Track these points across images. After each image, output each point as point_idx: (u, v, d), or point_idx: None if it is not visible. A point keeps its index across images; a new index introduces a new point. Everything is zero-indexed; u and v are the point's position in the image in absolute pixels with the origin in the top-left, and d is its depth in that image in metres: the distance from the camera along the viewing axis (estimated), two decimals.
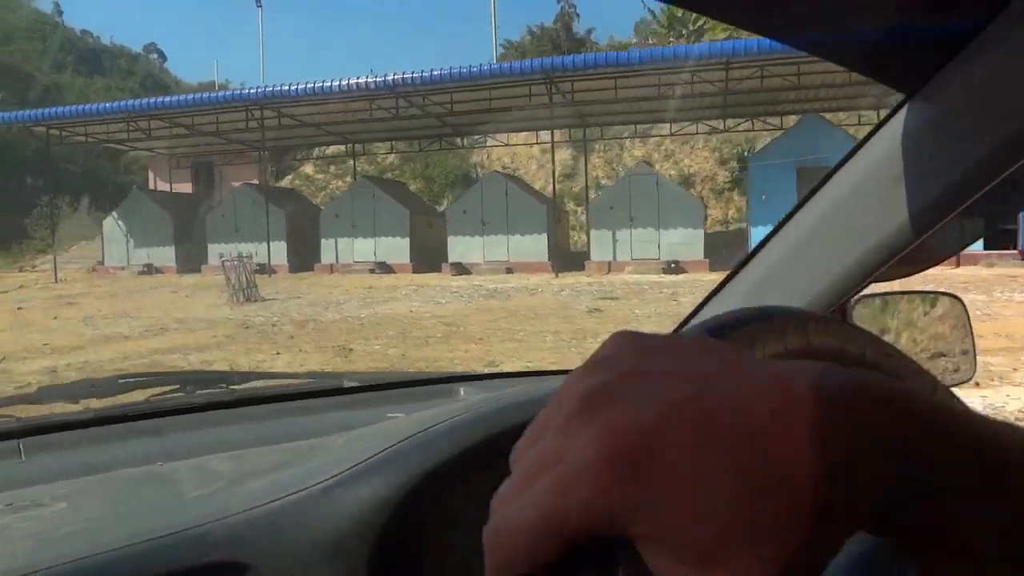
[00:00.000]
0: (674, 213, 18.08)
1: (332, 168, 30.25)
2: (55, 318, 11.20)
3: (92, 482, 0.97)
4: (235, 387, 1.38)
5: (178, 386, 1.35)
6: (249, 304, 12.94)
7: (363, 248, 19.80)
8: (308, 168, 30.67)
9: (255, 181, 23.06)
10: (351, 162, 29.57)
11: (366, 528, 0.77)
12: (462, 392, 1.37)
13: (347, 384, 1.45)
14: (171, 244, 21.43)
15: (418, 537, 0.80)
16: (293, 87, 17.78)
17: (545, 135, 23.96)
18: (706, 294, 0.95)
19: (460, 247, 19.17)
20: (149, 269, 20.85)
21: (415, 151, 26.56)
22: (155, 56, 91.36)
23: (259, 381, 1.48)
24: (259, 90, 18.49)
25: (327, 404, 1.34)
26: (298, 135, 22.09)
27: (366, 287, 15.72)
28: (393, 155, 28.84)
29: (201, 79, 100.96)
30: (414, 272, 19.22)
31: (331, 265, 20.01)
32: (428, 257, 19.63)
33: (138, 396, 1.30)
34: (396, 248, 19.66)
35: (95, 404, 1.27)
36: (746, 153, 24.15)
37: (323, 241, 20.35)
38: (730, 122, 21.96)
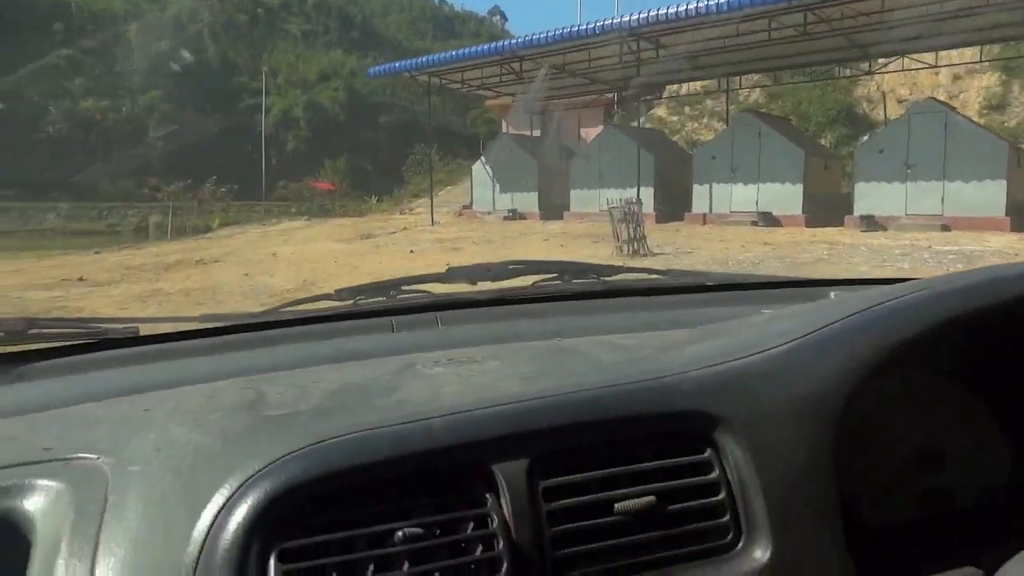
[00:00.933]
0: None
1: (687, 109, 27.41)
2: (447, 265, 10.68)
3: (507, 348, 1.07)
4: (606, 278, 1.47)
5: (557, 274, 1.47)
6: (640, 258, 10.92)
7: (743, 195, 16.70)
8: (661, 111, 28.22)
9: (610, 125, 21.42)
10: (707, 102, 26.43)
11: (832, 394, 0.79)
12: (832, 295, 1.29)
13: (709, 283, 1.52)
14: (534, 190, 20.46)
15: (871, 410, 0.80)
16: (655, 13, 15.30)
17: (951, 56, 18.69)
18: None
19: (871, 196, 15.12)
20: (513, 214, 20.24)
21: (792, 83, 22.41)
22: (497, 18, 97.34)
23: (628, 275, 1.55)
24: (619, 20, 16.17)
25: (693, 300, 1.41)
26: (658, 70, 19.56)
27: (761, 242, 12.81)
28: (757, 91, 25.05)
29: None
30: (807, 225, 15.61)
31: (703, 215, 17.33)
32: (824, 207, 15.81)
33: (523, 281, 1.44)
34: (785, 196, 16.07)
35: (489, 286, 1.41)
36: None
37: (695, 187, 17.67)
38: None
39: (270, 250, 13.71)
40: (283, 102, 45.12)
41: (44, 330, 1.09)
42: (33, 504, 0.65)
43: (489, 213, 20.90)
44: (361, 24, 62.44)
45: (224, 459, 0.66)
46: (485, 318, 1.27)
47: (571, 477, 0.71)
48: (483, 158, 22.31)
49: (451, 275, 1.40)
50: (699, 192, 17.67)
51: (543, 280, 1.45)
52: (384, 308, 1.29)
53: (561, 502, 0.70)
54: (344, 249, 13.65)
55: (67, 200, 31.80)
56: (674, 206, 17.80)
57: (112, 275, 10.71)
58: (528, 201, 20.52)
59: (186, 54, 45.05)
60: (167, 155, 36.68)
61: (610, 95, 24.59)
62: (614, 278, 1.48)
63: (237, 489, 0.62)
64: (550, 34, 17.30)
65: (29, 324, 1.08)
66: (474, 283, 1.41)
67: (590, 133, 23.52)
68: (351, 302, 1.32)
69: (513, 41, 18.84)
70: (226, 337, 1.16)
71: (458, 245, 13.60)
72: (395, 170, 33.68)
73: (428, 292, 1.36)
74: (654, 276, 1.62)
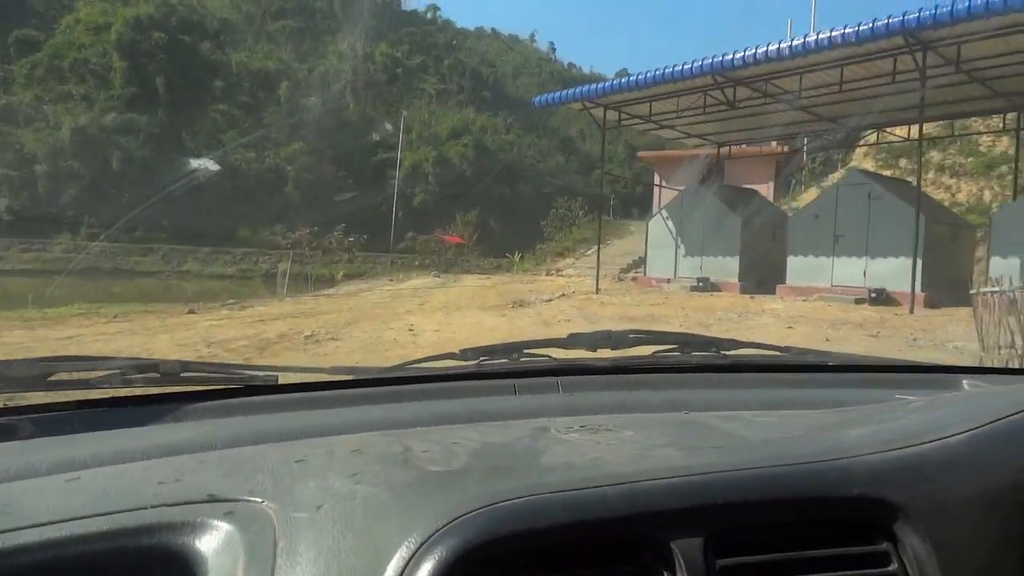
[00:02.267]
0: None
1: (903, 161, 22.83)
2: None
3: (636, 418, 1.08)
4: (726, 352, 1.44)
5: (676, 346, 1.46)
6: None
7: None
8: (867, 161, 24.07)
9: (855, 171, 17.13)
10: (933, 153, 21.80)
11: (1017, 488, 0.77)
12: (965, 384, 1.32)
13: (831, 363, 1.48)
14: (734, 254, 16.14)
15: None
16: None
17: None
18: None
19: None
20: (704, 285, 16.04)
21: None
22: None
23: (748, 349, 1.51)
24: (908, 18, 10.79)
25: (815, 379, 1.38)
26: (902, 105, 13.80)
27: None
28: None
29: None
30: None
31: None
32: None
33: (643, 350, 1.42)
34: None
35: (609, 353, 1.39)
36: None
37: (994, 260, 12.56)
38: None
39: (404, 321, 10.36)
40: (414, 156, 45.90)
41: (196, 373, 1.14)
42: (205, 543, 0.67)
43: (669, 281, 17.27)
44: (493, 84, 63.62)
45: (397, 513, 0.68)
46: (605, 386, 1.28)
47: (748, 558, 0.70)
48: (662, 212, 18.46)
49: (572, 341, 1.41)
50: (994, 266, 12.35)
51: (663, 351, 1.46)
52: (507, 370, 1.32)
53: None
54: (502, 325, 10.07)
55: (209, 245, 33.09)
56: (949, 287, 12.77)
57: (183, 349, 7.77)
58: (723, 268, 16.43)
59: (327, 110, 47.13)
60: (302, 204, 37.74)
61: (788, 141, 22.43)
62: (734, 352, 1.46)
63: (422, 545, 0.63)
64: (781, 47, 12.20)
65: (183, 367, 1.12)
66: (594, 350, 1.41)
67: (762, 187, 21.47)
68: (475, 362, 1.33)
69: (718, 59, 13.21)
70: (359, 390, 1.21)
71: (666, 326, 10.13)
72: (527, 226, 32.78)
73: (549, 356, 1.38)
74: (774, 353, 1.55)
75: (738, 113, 15.79)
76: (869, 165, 23.54)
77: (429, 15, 73.24)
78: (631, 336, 1.43)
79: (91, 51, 42.56)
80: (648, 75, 14.32)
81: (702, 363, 1.42)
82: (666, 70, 13.92)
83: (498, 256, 29.10)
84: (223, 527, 0.68)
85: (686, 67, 13.57)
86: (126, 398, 1.10)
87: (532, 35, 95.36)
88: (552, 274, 21.45)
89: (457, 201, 36.18)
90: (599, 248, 18.59)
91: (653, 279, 17.69)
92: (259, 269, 27.06)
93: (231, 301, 13.98)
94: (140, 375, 1.09)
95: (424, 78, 56.53)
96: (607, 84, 15.45)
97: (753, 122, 17.26)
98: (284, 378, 1.18)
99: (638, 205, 35.29)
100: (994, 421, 0.81)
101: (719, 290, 15.88)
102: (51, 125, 38.91)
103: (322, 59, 53.77)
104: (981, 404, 0.90)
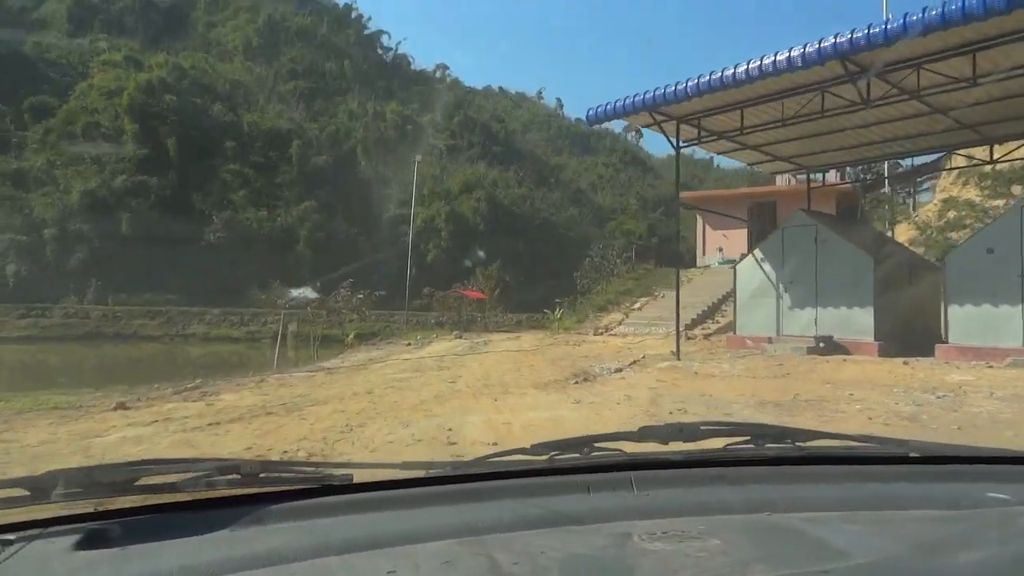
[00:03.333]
0: None
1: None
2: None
3: (718, 523, 1.05)
4: (801, 444, 1.39)
5: (749, 437, 1.43)
6: None
7: None
8: (968, 190, 20.87)
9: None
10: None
11: None
12: None
13: (913, 454, 1.43)
14: (867, 304, 12.58)
15: None
16: None
17: None
18: None
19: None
20: (827, 345, 12.65)
21: None
22: (634, 134, 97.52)
23: (824, 440, 1.48)
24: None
25: (898, 473, 1.32)
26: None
27: None
28: None
29: (670, 151, 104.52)
30: None
31: None
32: None
33: (716, 443, 1.39)
34: None
35: (681, 446, 1.37)
36: None
37: None
38: None
39: (435, 417, 6.84)
40: (426, 212, 45.02)
41: (275, 474, 1.17)
42: None
43: (771, 340, 13.26)
44: (503, 140, 63.38)
45: None
46: (681, 482, 1.26)
47: None
48: (756, 253, 14.33)
49: (643, 434, 1.39)
50: None
51: (736, 443, 1.42)
52: (579, 466, 1.30)
53: None
54: (585, 419, 6.66)
55: (219, 306, 31.84)
56: None
57: None
58: (850, 323, 12.65)
59: (338, 168, 46.58)
60: (314, 263, 36.62)
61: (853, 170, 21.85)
62: (811, 444, 1.40)
63: None
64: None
65: (263, 467, 1.16)
66: (666, 443, 1.38)
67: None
68: (547, 457, 1.31)
69: (844, 39, 9.42)
70: (432, 488, 1.21)
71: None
72: (548, 280, 31.34)
73: (621, 450, 1.36)
74: (854, 444, 1.50)
75: (867, 119, 12.11)
76: (970, 194, 20.89)
77: (438, 74, 73.96)
78: (702, 428, 1.41)
79: (104, 115, 42.38)
80: (742, 70, 10.37)
81: (778, 456, 1.37)
82: (771, 59, 10.03)
83: (520, 311, 27.47)
84: None
85: (805, 51, 9.72)
86: (210, 500, 1.12)
87: (539, 92, 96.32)
88: (601, 332, 18.31)
89: (470, 256, 34.92)
90: (678, 299, 14.08)
91: (747, 338, 13.76)
92: (268, 331, 25.61)
93: (191, 384, 10.38)
94: (223, 477, 1.11)
95: (434, 135, 56.22)
96: (681, 87, 11.30)
97: (881, 132, 13.29)
98: (358, 475, 1.19)
99: (655, 257, 33.60)
100: None
101: (848, 352, 12.29)
102: (61, 189, 38.39)
103: (333, 118, 53.66)
104: None
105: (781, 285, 13.74)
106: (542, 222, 50.41)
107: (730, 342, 14.30)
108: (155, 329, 28.18)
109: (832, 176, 22.65)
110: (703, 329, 17.10)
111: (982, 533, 0.98)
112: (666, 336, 15.24)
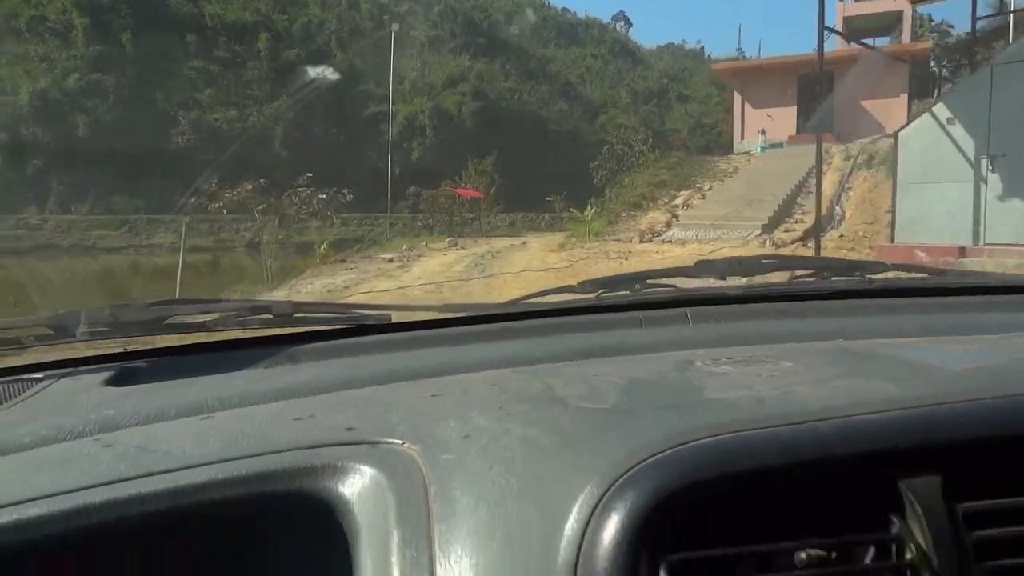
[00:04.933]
0: None
1: None
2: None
3: (790, 349, 0.96)
4: (872, 276, 1.30)
5: (814, 271, 1.36)
6: None
7: None
8: None
9: None
10: None
11: None
12: None
13: (992, 283, 1.37)
14: None
15: None
16: None
17: None
18: None
19: None
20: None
21: None
22: (622, 24, 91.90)
23: (894, 272, 1.37)
24: None
25: (977, 303, 1.24)
26: None
27: None
28: None
29: (660, 42, 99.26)
30: None
31: None
32: None
33: (778, 277, 1.34)
34: None
35: (739, 282, 1.31)
36: None
37: None
38: None
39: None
40: (409, 108, 41.74)
41: (309, 314, 1.11)
42: (349, 488, 0.62)
43: (963, 253, 8.78)
44: (487, 31, 58.76)
45: (566, 454, 0.60)
46: (743, 315, 1.16)
47: (995, 502, 0.58)
48: (938, 110, 9.41)
49: (699, 269, 1.30)
50: None
51: (801, 276, 1.35)
52: (630, 303, 1.22)
53: (987, 532, 0.56)
54: None
55: (191, 213, 29.33)
56: None
57: None
58: None
59: (312, 63, 42.76)
60: (290, 163, 33.79)
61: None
62: (881, 276, 1.30)
63: (609, 489, 0.54)
64: None
65: (295, 308, 1.10)
66: (724, 278, 1.30)
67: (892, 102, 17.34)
68: (595, 295, 1.24)
69: None
70: (476, 327, 1.13)
71: None
72: (547, 176, 28.73)
73: (674, 287, 1.27)
74: (926, 276, 1.42)
75: None
76: None
77: None
78: (764, 262, 1.34)
79: (49, 7, 38.02)
80: None
81: (847, 288, 1.27)
82: None
83: (515, 210, 24.90)
84: (367, 471, 0.62)
85: None
86: (241, 340, 1.07)
87: None
88: (649, 238, 13.47)
89: (458, 154, 32.14)
90: (819, 182, 10.19)
91: (919, 249, 8.97)
92: (240, 239, 23.31)
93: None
94: (254, 316, 1.06)
95: (414, 25, 51.76)
96: None
97: None
98: (397, 317, 1.13)
99: (683, 145, 29.66)
100: None
101: None
102: (8, 91, 34.72)
103: (304, 9, 48.99)
104: None
105: (985, 162, 8.73)
106: (531, 117, 47.23)
107: (883, 253, 9.37)
108: (117, 240, 25.73)
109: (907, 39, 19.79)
110: (787, 232, 12.43)
111: None
112: (744, 244, 11.55)
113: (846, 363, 0.86)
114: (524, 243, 16.00)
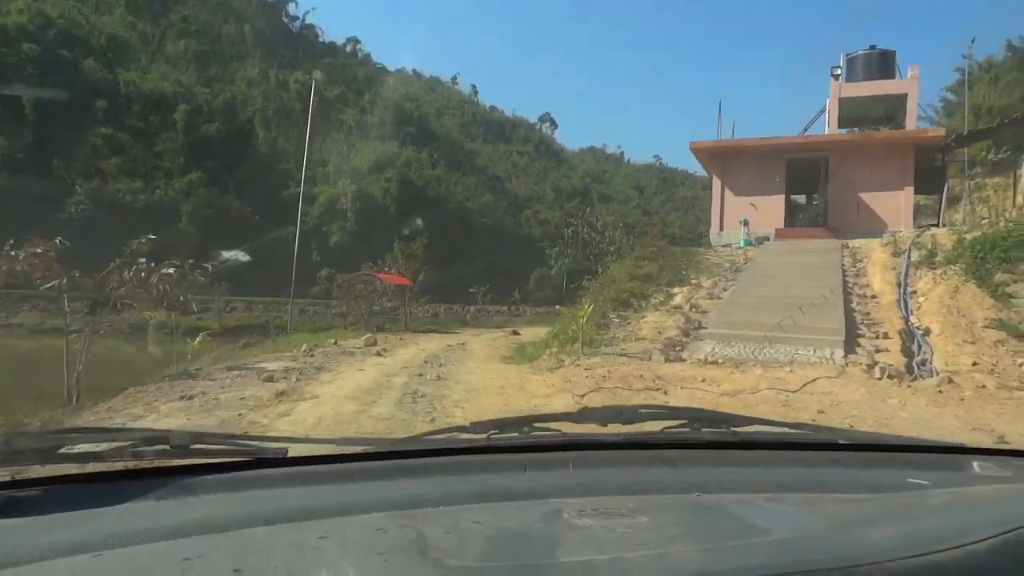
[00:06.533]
0: None
1: None
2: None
3: (650, 501, 1.05)
4: (737, 429, 1.38)
5: (687, 421, 1.41)
6: None
7: None
8: None
9: None
10: None
11: None
12: (976, 466, 1.30)
13: (843, 440, 1.46)
14: None
15: None
16: None
17: None
18: None
19: None
20: None
21: None
22: (548, 125, 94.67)
23: (760, 426, 1.46)
24: None
25: (827, 459, 1.35)
26: None
27: None
28: None
29: (583, 144, 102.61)
30: None
31: None
32: None
33: (653, 426, 1.37)
34: None
35: (620, 428, 1.34)
36: None
37: None
38: None
39: None
40: (331, 191, 39.88)
41: (207, 446, 1.11)
42: None
43: None
44: (417, 120, 58.51)
45: None
46: (616, 462, 1.24)
47: None
48: None
49: (584, 415, 1.37)
50: None
51: (673, 427, 1.40)
52: (518, 444, 1.27)
53: None
54: None
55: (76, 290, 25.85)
56: None
57: None
58: None
59: (232, 139, 40.51)
60: (198, 242, 30.90)
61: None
62: (745, 429, 1.39)
63: None
64: None
65: (193, 439, 1.09)
66: (605, 425, 1.36)
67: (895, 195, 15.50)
68: (486, 436, 1.27)
69: None
70: (368, 463, 1.16)
71: None
72: (477, 266, 27.01)
73: (560, 431, 1.33)
74: (786, 430, 1.53)
75: None
76: None
77: (349, 48, 67.89)
78: (641, 411, 1.39)
79: None
80: None
81: (713, 440, 1.36)
82: None
83: (438, 301, 22.63)
84: None
85: None
86: (137, 471, 1.06)
87: (454, 78, 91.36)
88: (676, 358, 8.93)
89: (382, 239, 30.23)
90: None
91: None
92: (121, 322, 20.19)
93: None
94: (150, 447, 1.06)
95: (343, 110, 50.79)
96: None
97: None
98: (294, 450, 1.13)
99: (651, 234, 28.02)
100: (1012, 530, 0.76)
101: None
102: None
103: (229, 85, 47.21)
104: (1001, 504, 0.85)
105: None
106: (457, 206, 46.26)
107: None
108: None
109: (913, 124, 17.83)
110: (879, 352, 8.59)
111: (898, 513, 1.00)
112: (841, 372, 7.90)
113: (689, 521, 0.97)
114: (463, 344, 12.63)
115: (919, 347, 8.71)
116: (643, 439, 1.32)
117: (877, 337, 9.20)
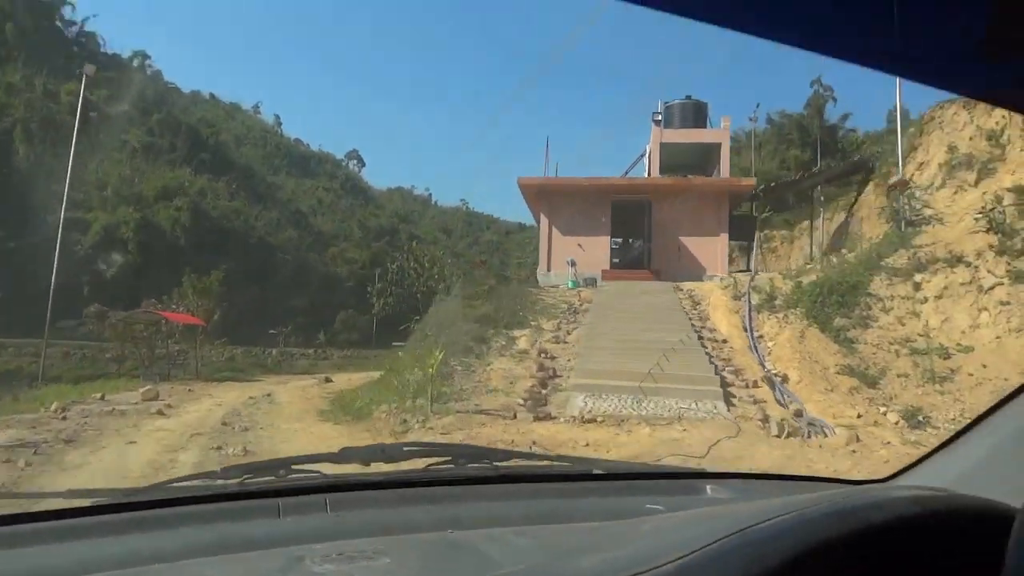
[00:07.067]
0: None
1: None
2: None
3: (399, 542, 1.05)
4: (498, 464, 1.41)
5: (450, 458, 1.42)
6: None
7: None
8: None
9: None
10: None
11: None
12: (708, 490, 1.39)
13: (596, 471, 1.56)
14: None
15: None
16: None
17: None
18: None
19: None
20: None
21: None
22: (355, 162, 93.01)
23: (520, 460, 1.54)
24: None
25: (580, 489, 1.42)
26: None
27: None
28: None
29: (391, 184, 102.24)
30: None
31: None
32: None
33: (418, 464, 1.39)
34: None
35: (383, 467, 1.33)
36: None
37: None
38: None
39: None
40: (109, 218, 35.51)
41: None
42: None
43: None
44: (214, 148, 54.46)
45: None
46: (377, 503, 1.21)
47: None
48: None
49: (344, 455, 1.32)
50: None
51: (436, 464, 1.39)
52: (272, 489, 1.22)
53: None
54: None
55: None
56: None
57: None
58: None
59: None
60: None
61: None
62: (506, 464, 1.42)
63: None
64: None
65: None
66: (367, 464, 1.33)
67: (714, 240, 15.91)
68: (238, 481, 1.22)
69: None
70: (97, 518, 1.06)
71: None
72: (280, 304, 25.07)
73: (320, 472, 1.28)
74: (545, 463, 1.59)
75: None
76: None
77: (136, 62, 61.75)
78: (404, 449, 1.36)
79: None
80: None
81: (474, 475, 1.37)
82: None
83: (248, 345, 20.54)
84: None
85: None
86: None
87: (256, 106, 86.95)
88: (545, 415, 8.19)
89: (171, 273, 27.27)
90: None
91: None
92: None
93: None
94: None
95: (128, 129, 45.81)
96: None
97: None
98: (12, 507, 1.02)
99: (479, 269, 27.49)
100: (700, 549, 0.77)
101: None
102: None
103: None
104: (708, 523, 0.89)
105: None
106: (257, 241, 43.46)
107: None
108: None
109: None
110: (756, 403, 8.58)
111: (619, 538, 1.00)
112: (734, 424, 7.59)
113: (431, 560, 0.99)
114: (269, 396, 10.68)
115: (784, 396, 8.75)
116: (405, 478, 1.32)
117: (747, 386, 9.09)
